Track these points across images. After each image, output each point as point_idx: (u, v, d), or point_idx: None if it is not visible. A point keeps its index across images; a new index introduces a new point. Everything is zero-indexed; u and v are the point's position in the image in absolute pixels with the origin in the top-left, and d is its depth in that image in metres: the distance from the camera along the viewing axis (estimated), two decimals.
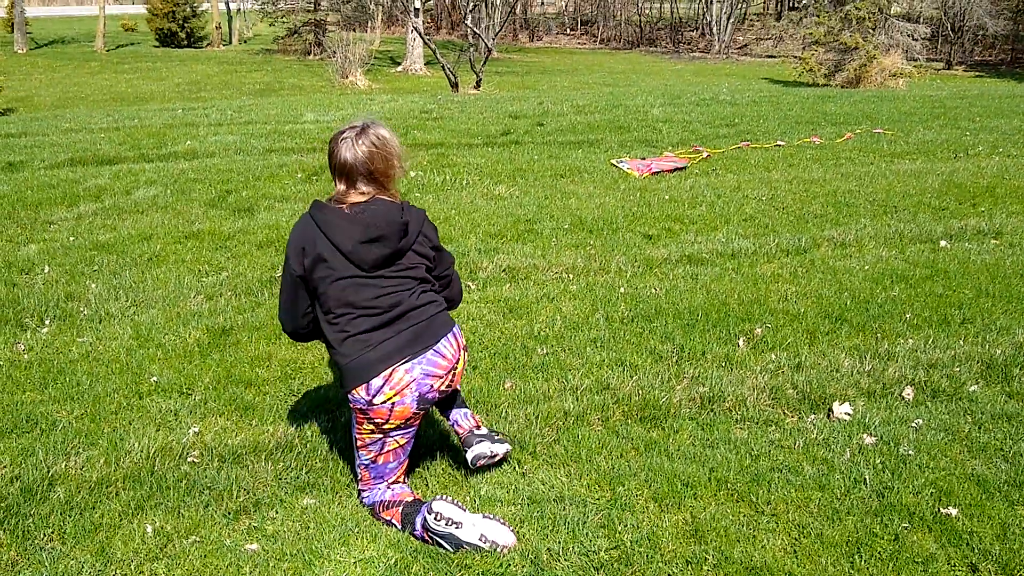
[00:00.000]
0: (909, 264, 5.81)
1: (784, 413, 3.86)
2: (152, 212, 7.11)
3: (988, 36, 37.37)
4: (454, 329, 3.02)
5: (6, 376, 4.17)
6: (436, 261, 3.07)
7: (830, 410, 3.86)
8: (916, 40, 25.93)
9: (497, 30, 19.78)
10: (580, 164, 8.93)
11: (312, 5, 30.97)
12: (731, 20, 44.46)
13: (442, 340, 2.94)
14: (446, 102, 13.80)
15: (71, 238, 6.45)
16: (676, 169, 8.74)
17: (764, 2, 56.55)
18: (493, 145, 9.91)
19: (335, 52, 22.56)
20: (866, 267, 5.75)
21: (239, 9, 36.03)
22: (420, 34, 20.17)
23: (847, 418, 3.78)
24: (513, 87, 23.17)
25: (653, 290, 5.32)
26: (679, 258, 5.93)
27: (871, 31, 24.47)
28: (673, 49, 47.10)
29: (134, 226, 6.69)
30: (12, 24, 37.21)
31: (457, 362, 2.99)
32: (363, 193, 2.88)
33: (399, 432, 2.97)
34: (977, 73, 34.36)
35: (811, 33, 25.66)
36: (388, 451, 3.01)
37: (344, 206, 2.87)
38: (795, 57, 26.62)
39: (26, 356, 4.41)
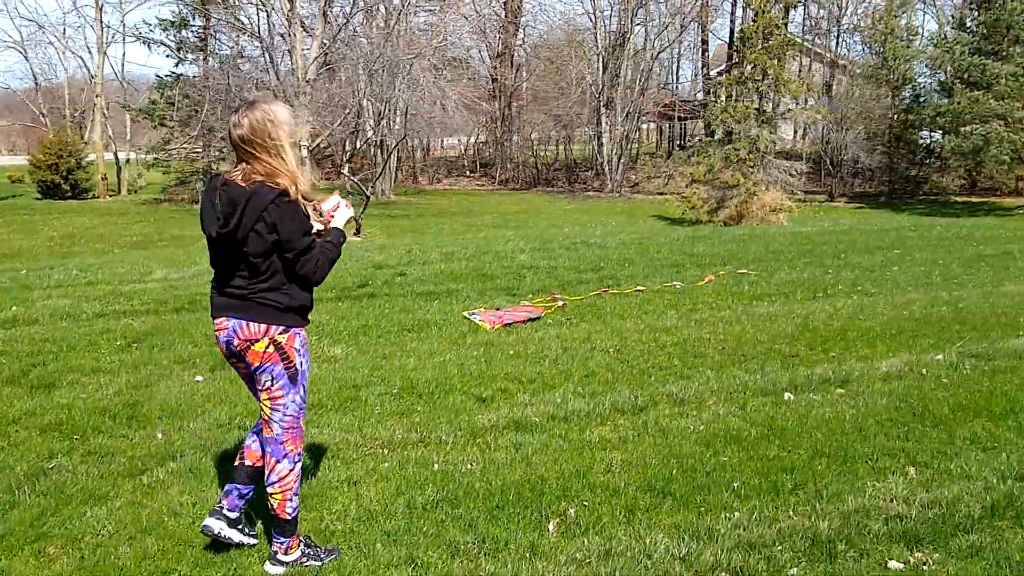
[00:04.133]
0: (747, 422, 5.52)
1: None
2: None
3: (866, 169, 39.19)
4: (247, 322, 3.55)
5: None
6: (279, 247, 3.45)
7: None
8: (794, 176, 26.91)
9: (375, 179, 19.71)
10: (433, 317, 8.59)
11: (200, 152, 30.73)
12: (621, 159, 45.75)
13: (236, 321, 3.56)
14: None
15: None
16: (530, 320, 8.46)
17: (657, 140, 58.71)
18: (347, 299, 9.52)
19: None
20: (701, 427, 5.44)
21: (128, 159, 35.55)
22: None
23: None
24: (402, 231, 23.05)
25: (469, 465, 4.89)
26: (507, 424, 5.54)
27: (751, 169, 25.29)
28: (568, 189, 48.12)
29: None
30: None
31: (250, 343, 3.57)
32: (239, 170, 3.44)
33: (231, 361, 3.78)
34: (858, 204, 35.84)
35: (692, 172, 26.46)
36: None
37: (220, 181, 3.47)
38: (679, 195, 27.31)
39: None
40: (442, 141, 62.59)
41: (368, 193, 18.48)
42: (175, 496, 4.51)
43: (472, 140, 58.01)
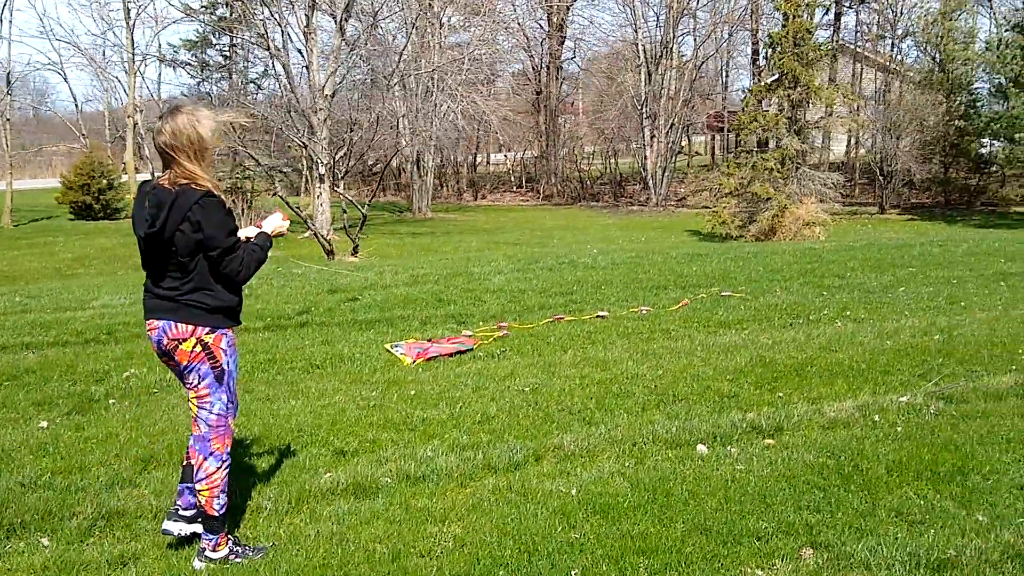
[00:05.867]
0: (631, 484, 4.62)
1: None
2: None
3: (921, 180, 37.44)
4: (175, 323, 3.70)
5: None
6: (204, 245, 3.61)
7: None
8: (830, 188, 25.55)
9: (371, 196, 19.02)
10: (353, 351, 7.81)
11: (226, 172, 30.48)
12: (666, 173, 44.56)
13: (165, 322, 3.71)
14: (284, 274, 12.80)
15: None
16: (458, 352, 7.63)
17: (711, 152, 57.41)
18: (277, 328, 8.81)
19: None
20: (573, 491, 4.56)
21: None
22: (284, 200, 19.46)
23: None
24: (417, 250, 22.35)
25: (270, 543, 4.08)
26: (347, 487, 4.71)
27: (782, 181, 24.09)
28: (613, 203, 47.13)
29: None
30: None
31: (178, 342, 3.72)
32: (165, 175, 3.62)
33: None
34: (910, 216, 34.24)
35: (722, 184, 25.35)
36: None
37: (150, 186, 3.64)
38: (711, 209, 26.19)
39: None
40: (488, 156, 62.22)
41: (363, 212, 17.84)
42: None
43: (519, 155, 57.31)
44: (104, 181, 31.87)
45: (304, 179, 38.44)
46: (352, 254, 17.88)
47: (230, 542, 3.93)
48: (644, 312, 9.21)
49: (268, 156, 33.67)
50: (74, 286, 12.78)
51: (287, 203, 19.20)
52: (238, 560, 3.88)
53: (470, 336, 8.24)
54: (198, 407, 3.85)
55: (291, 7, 24.86)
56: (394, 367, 7.30)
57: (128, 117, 33.70)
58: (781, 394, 6.26)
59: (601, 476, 4.75)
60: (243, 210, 23.81)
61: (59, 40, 47.40)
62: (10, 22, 38.68)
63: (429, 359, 7.45)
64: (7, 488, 4.75)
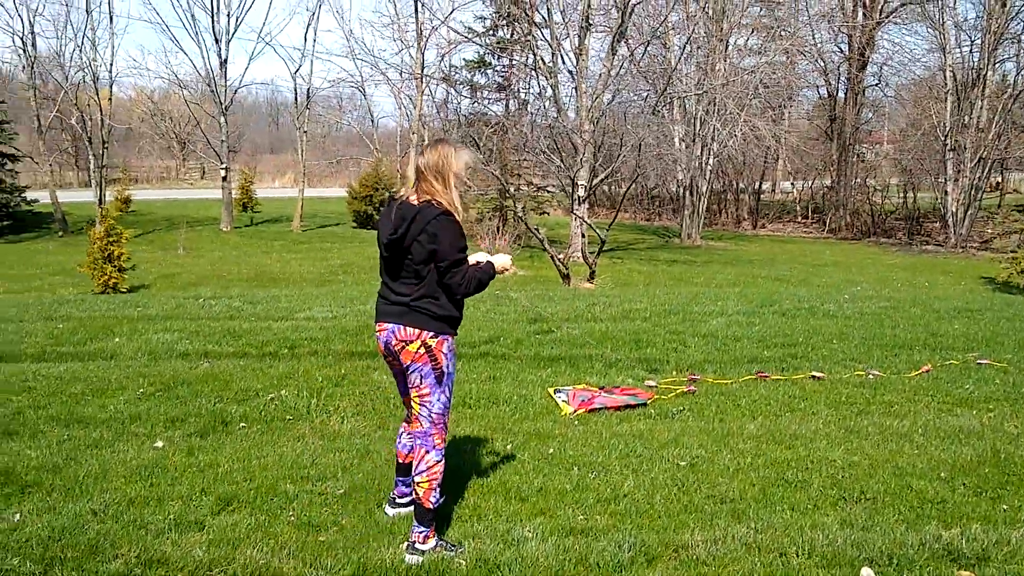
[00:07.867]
0: None
1: None
2: None
3: None
4: (403, 326, 4.09)
5: None
6: (435, 256, 4.01)
7: None
8: None
9: (609, 224, 18.07)
10: (512, 391, 7.10)
11: (501, 192, 30.90)
12: (969, 211, 40.30)
13: (394, 325, 4.12)
14: (503, 298, 12.35)
15: None
16: (627, 406, 6.73)
17: None
18: (456, 358, 8.30)
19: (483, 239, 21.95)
20: None
21: None
22: (524, 222, 19.14)
23: None
24: (661, 279, 21.30)
25: None
26: (412, 564, 4.04)
27: None
28: (906, 241, 43.40)
29: None
30: (243, 204, 40.23)
31: (405, 343, 4.10)
32: (415, 189, 4.11)
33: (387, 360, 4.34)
34: None
35: None
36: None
37: (397, 201, 4.12)
38: (1010, 256, 23.02)
39: None
40: (775, 184, 59.79)
41: (602, 236, 17.12)
42: None
43: (809, 184, 54.45)
44: (386, 193, 33.41)
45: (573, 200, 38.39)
46: (588, 280, 17.24)
47: (436, 535, 4.23)
48: (871, 376, 7.82)
49: (540, 176, 34.04)
50: (298, 295, 13.06)
51: (527, 225, 18.93)
52: (445, 552, 4.13)
53: (651, 388, 7.30)
54: (420, 405, 4.18)
55: (565, 29, 24.76)
56: (548, 416, 6.53)
57: (413, 133, 35.22)
58: (1006, 506, 4.86)
59: None
60: (499, 228, 23.87)
61: (360, 59, 50.61)
62: (314, 41, 41.90)
63: (592, 410, 6.62)
64: (76, 514, 4.50)
